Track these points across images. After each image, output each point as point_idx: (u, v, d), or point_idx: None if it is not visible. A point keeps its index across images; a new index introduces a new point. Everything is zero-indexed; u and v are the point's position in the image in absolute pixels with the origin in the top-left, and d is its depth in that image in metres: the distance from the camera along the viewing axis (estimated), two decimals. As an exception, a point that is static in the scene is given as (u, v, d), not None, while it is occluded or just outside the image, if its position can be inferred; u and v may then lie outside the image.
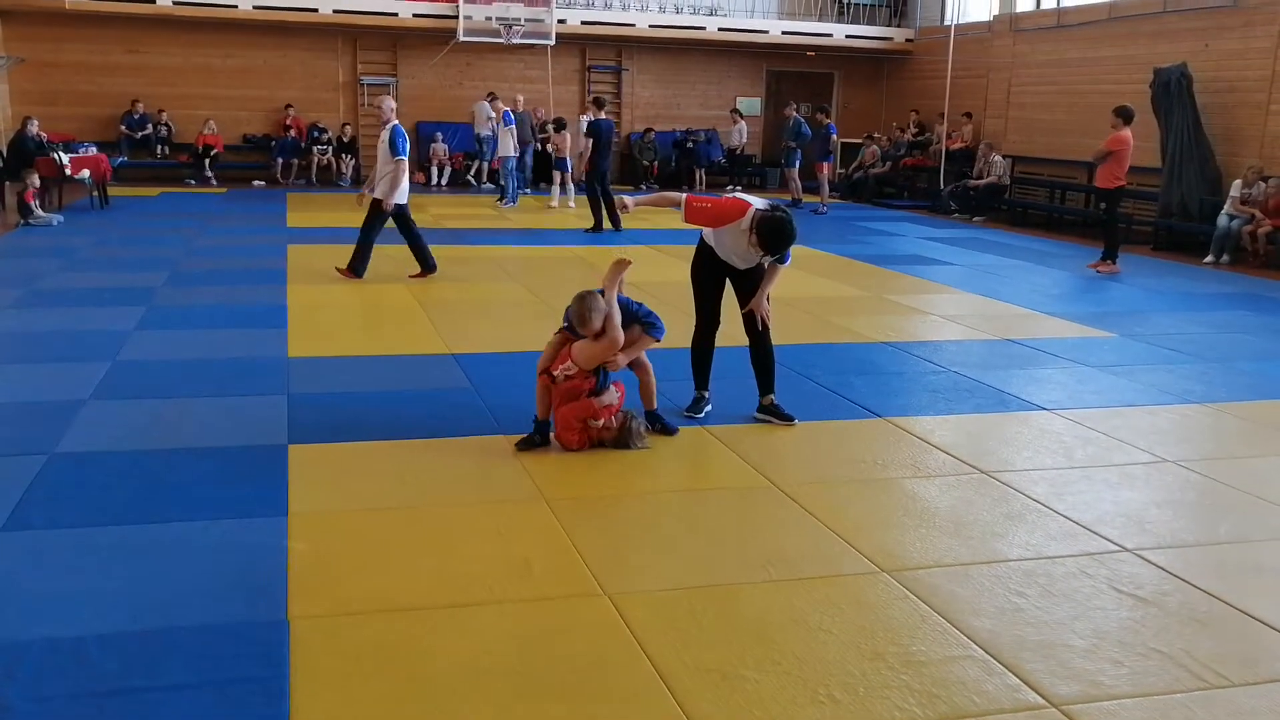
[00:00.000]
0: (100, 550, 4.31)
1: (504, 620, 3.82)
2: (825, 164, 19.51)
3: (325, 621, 3.76)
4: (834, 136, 19.99)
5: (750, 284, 6.24)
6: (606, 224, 15.28)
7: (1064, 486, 5.35)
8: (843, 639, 3.73)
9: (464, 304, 9.75)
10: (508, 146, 18.41)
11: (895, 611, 3.95)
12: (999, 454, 5.90)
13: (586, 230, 15.17)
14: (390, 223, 10.74)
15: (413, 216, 10.97)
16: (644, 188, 22.52)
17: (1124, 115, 12.42)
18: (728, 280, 6.33)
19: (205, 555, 4.28)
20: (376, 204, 10.62)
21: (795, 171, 19.54)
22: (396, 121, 10.70)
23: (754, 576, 4.22)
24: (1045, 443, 6.10)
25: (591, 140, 15.58)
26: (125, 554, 4.27)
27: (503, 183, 18.85)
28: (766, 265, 6.16)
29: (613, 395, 5.72)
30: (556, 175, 18.70)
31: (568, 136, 18.31)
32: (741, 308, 6.30)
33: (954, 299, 10.74)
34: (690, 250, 6.48)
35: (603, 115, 15.84)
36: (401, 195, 10.57)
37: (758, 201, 5.94)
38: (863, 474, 5.52)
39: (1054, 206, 18.57)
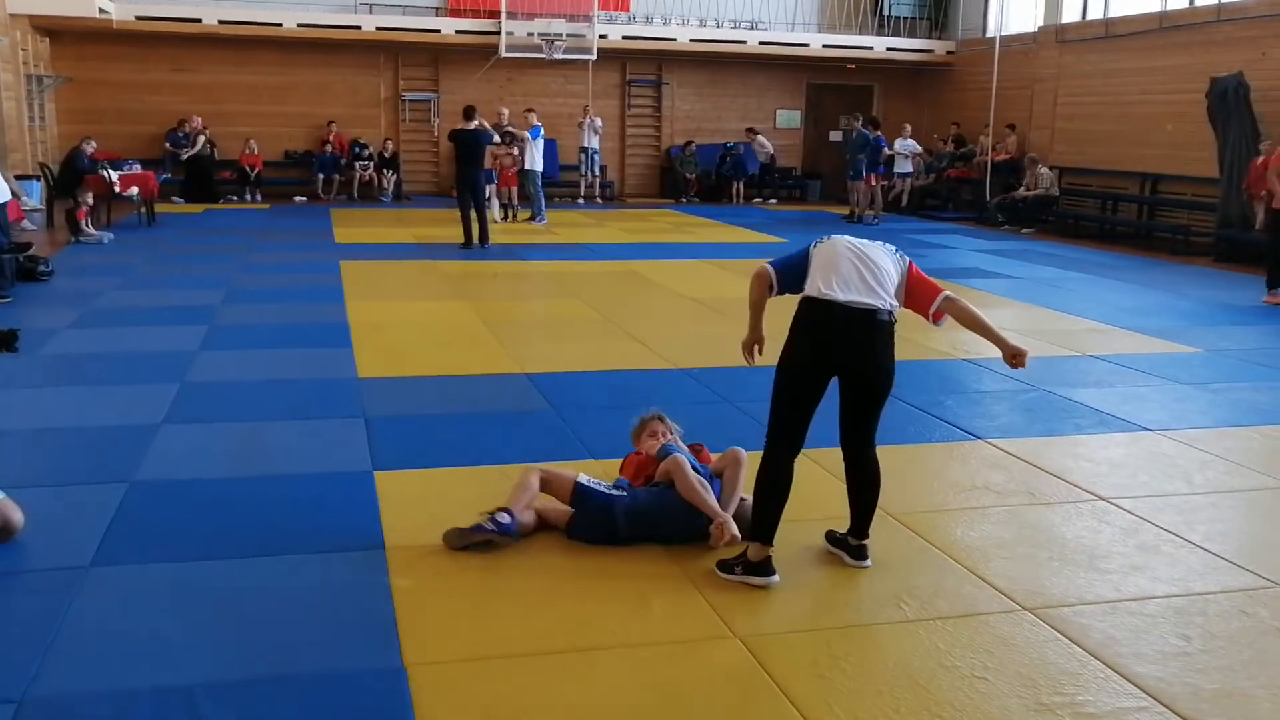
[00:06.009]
0: (195, 588, 4.09)
1: (636, 667, 3.57)
2: (876, 175, 19.23)
3: (445, 669, 3.53)
4: (885, 149, 19.63)
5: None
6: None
7: (1192, 514, 5.06)
8: (1001, 687, 3.46)
9: (527, 321, 9.54)
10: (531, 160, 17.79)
11: (1050, 655, 3.67)
12: (1112, 479, 5.61)
13: (461, 246, 14.42)
14: None
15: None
16: (684, 201, 22.34)
17: None
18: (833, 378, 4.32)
19: (306, 594, 4.06)
20: None
21: (862, 183, 19.12)
22: None
23: (889, 615, 3.97)
24: (1159, 466, 5.81)
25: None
26: (223, 592, 4.05)
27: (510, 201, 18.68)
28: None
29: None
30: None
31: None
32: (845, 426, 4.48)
33: (1023, 313, 10.46)
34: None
35: (471, 126, 14.81)
36: None
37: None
38: (975, 501, 5.25)
39: (1106, 218, 18.27)
